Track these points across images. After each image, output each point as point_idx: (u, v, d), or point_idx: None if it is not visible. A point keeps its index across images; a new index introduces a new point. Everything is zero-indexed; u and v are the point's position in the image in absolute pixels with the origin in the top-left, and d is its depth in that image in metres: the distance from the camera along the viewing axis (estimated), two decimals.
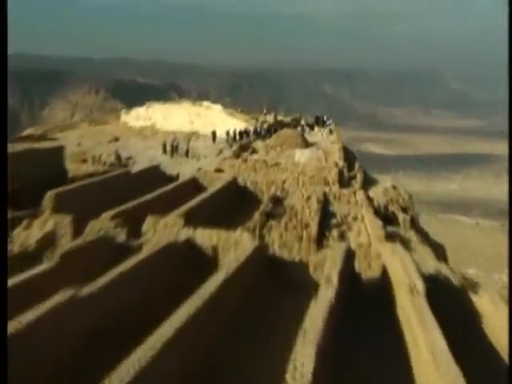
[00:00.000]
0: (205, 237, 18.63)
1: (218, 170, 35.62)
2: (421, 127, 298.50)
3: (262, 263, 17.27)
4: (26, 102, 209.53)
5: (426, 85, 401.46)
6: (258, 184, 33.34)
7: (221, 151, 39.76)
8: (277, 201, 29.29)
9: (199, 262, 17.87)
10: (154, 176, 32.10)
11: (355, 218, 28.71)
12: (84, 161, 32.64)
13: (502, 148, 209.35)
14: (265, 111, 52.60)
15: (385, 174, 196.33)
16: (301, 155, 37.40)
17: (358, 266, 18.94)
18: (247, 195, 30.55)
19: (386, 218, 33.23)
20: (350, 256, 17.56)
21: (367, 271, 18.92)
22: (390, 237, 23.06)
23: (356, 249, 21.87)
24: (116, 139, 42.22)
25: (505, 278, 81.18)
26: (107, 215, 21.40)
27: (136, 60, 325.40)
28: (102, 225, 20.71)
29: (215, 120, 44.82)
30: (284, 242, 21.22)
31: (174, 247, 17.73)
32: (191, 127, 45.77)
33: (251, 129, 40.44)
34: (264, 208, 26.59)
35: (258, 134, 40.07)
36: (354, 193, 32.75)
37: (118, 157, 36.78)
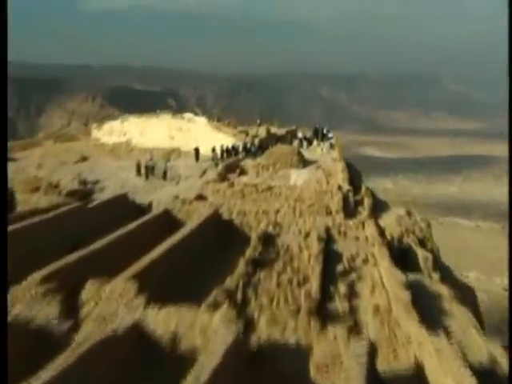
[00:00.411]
0: (159, 320, 13.06)
1: (200, 197, 29.84)
2: (420, 130, 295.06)
3: (241, 360, 11.71)
4: (23, 110, 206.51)
5: (425, 87, 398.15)
6: (246, 215, 27.60)
7: (205, 172, 34.05)
8: (268, 239, 23.54)
9: (149, 364, 12.39)
10: (119, 209, 26.39)
11: (366, 261, 22.95)
12: (37, 189, 26.90)
13: (501, 150, 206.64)
14: (258, 122, 47.02)
15: (384, 178, 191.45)
16: (297, 176, 31.70)
17: (380, 358, 13.22)
18: (232, 232, 24.85)
19: (402, 253, 27.59)
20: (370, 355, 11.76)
21: (393, 366, 13.23)
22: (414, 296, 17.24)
23: (371, 318, 16.22)
24: (84, 159, 36.35)
25: (506, 281, 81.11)
26: (35, 278, 16.02)
27: (134, 67, 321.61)
28: (27, 292, 15.41)
29: (199, 135, 38.89)
30: (274, 314, 15.52)
31: (113, 341, 12.17)
32: (171, 143, 39.81)
33: (240, 145, 34.72)
34: (251, 254, 20.83)
35: (247, 151, 34.31)
36: (363, 224, 27.01)
37: (83, 182, 31.07)
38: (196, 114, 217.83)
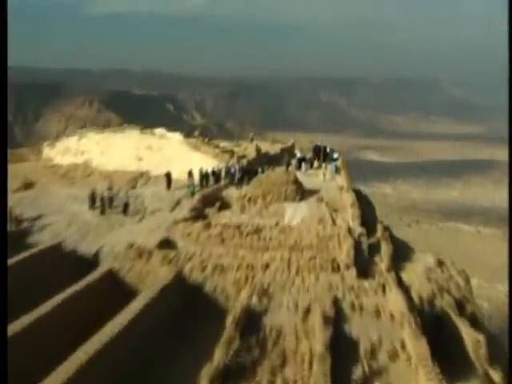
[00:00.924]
0: None
1: (165, 244, 22.41)
2: (420, 134, 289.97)
3: None
4: (20, 115, 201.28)
5: (425, 92, 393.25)
6: (223, 272, 20.20)
7: (178, 203, 26.62)
8: (251, 322, 16.12)
9: None
10: (49, 267, 19.04)
11: (394, 357, 15.56)
12: None
13: (502, 154, 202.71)
14: (251, 136, 39.69)
15: (384, 182, 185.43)
16: (294, 213, 24.26)
17: None
18: (200, 307, 17.49)
19: (435, 321, 20.24)
20: None
21: None
22: None
23: None
24: (27, 186, 28.68)
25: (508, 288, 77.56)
26: None
27: (133, 71, 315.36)
28: None
29: (172, 155, 31.14)
30: None
31: None
32: (139, 165, 31.89)
33: (223, 168, 27.32)
34: (221, 359, 13.38)
35: (231, 177, 26.80)
36: (383, 287, 19.59)
37: (15, 219, 23.62)
38: (194, 117, 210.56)
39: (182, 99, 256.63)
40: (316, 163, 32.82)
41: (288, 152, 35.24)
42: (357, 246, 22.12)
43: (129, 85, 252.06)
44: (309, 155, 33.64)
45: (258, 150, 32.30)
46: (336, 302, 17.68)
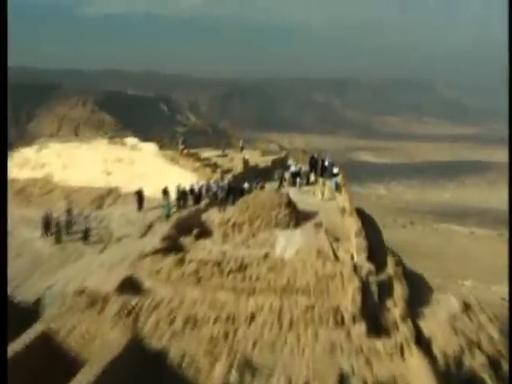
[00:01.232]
0: None
1: (127, 285, 17.89)
2: (414, 135, 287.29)
3: None
4: (13, 115, 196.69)
5: (418, 93, 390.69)
6: (196, 326, 15.76)
7: (149, 227, 22.06)
8: None
9: None
10: None
11: None
12: None
13: (495, 155, 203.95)
14: (241, 145, 34.99)
15: (378, 184, 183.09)
16: (287, 243, 19.77)
17: None
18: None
19: None
20: None
21: None
22: None
23: None
24: None
25: (503, 290, 73.66)
26: None
27: (127, 72, 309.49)
28: None
29: (146, 169, 26.71)
30: None
31: None
32: (107, 181, 27.39)
33: (203, 185, 22.63)
34: None
35: (213, 197, 22.22)
36: (401, 349, 15.16)
37: None
38: (188, 118, 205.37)
39: (176, 100, 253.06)
40: (312, 177, 28.21)
41: (281, 164, 30.60)
42: (364, 288, 17.66)
43: (123, 85, 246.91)
44: (304, 168, 29.01)
45: (245, 162, 27.66)
46: (342, 379, 13.15)
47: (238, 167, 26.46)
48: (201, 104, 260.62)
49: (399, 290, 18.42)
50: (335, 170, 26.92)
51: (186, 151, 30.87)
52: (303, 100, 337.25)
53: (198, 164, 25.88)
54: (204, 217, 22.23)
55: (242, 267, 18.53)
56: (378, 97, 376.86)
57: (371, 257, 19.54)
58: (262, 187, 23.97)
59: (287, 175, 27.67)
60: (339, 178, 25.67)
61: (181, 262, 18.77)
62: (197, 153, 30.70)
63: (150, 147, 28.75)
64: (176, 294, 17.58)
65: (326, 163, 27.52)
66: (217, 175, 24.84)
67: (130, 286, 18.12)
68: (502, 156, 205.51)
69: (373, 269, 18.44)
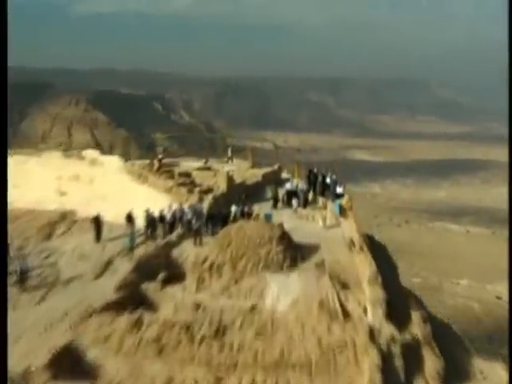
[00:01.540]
0: None
1: (62, 359, 12.93)
2: (408, 134, 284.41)
3: None
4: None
5: (413, 92, 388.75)
6: None
7: (108, 265, 17.01)
8: None
9: None
10: None
11: None
12: None
13: (489, 154, 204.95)
14: (229, 154, 29.72)
15: (373, 182, 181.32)
16: (279, 292, 14.85)
17: None
18: None
19: None
20: None
21: None
22: None
23: None
24: None
25: (498, 289, 75.37)
26: None
27: (120, 71, 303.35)
28: None
29: (108, 189, 21.35)
30: None
31: None
32: (61, 203, 21.95)
33: (176, 211, 17.60)
34: None
35: (188, 226, 17.08)
36: None
37: None
38: (182, 116, 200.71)
39: (170, 99, 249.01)
40: (311, 195, 23.08)
41: (273, 178, 25.44)
42: (385, 362, 12.72)
43: (114, 84, 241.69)
44: (301, 184, 23.86)
45: (229, 180, 22.50)
46: None
47: (222, 185, 21.38)
48: (194, 103, 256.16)
49: (431, 363, 13.48)
50: (339, 190, 21.81)
51: (163, 162, 25.66)
52: (298, 99, 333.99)
53: (171, 182, 20.74)
54: (175, 253, 17.13)
55: (220, 331, 13.53)
56: (373, 96, 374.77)
57: (390, 310, 14.59)
58: (250, 214, 18.81)
59: (281, 192, 22.54)
60: (344, 200, 20.56)
61: (138, 323, 13.79)
62: (174, 165, 25.53)
63: (114, 161, 23.56)
64: (130, 370, 12.71)
65: (328, 180, 22.39)
66: (194, 197, 19.69)
67: (67, 359, 13.13)
68: (495, 154, 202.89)
69: (396, 334, 13.46)
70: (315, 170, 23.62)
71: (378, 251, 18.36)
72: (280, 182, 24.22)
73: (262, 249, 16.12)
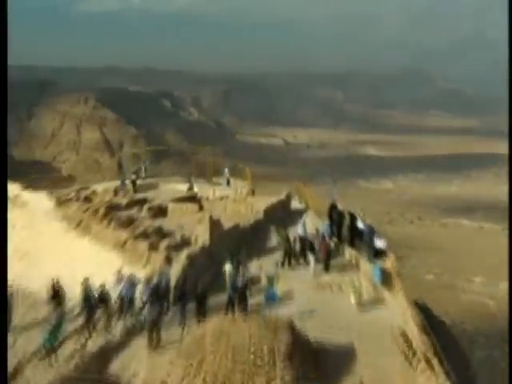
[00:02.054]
0: None
1: None
2: (418, 128, 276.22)
3: None
4: (13, 115, 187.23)
5: (420, 86, 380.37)
6: None
7: (14, 375, 10.05)
8: None
9: None
10: None
11: None
12: None
13: (497, 147, 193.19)
14: (226, 173, 22.31)
15: (384, 178, 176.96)
16: None
17: None
18: None
19: None
20: None
21: None
22: None
23: None
24: None
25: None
26: None
27: (125, 68, 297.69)
28: None
29: (31, 243, 14.13)
30: None
31: None
32: None
33: (122, 289, 10.72)
34: None
35: (142, 313, 10.34)
36: None
37: None
38: (191, 113, 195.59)
39: (178, 96, 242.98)
40: (333, 241, 15.27)
41: (281, 212, 17.67)
42: None
43: (121, 82, 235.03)
44: (321, 225, 15.99)
45: (213, 225, 14.80)
46: None
47: (203, 235, 13.83)
48: (203, 100, 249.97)
49: None
50: (379, 244, 14.08)
51: (137, 184, 18.06)
52: (304, 94, 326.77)
53: (124, 235, 13.26)
54: (114, 368, 9.57)
55: None
56: (379, 90, 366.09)
57: None
58: (242, 298, 11.16)
59: (292, 236, 14.84)
60: (389, 262, 12.84)
61: None
62: (150, 188, 18.00)
63: (41, 201, 16.07)
64: None
65: (360, 225, 14.65)
66: (159, 256, 12.17)
67: None
68: (508, 149, 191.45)
69: None
70: (340, 207, 15.82)
71: (452, 354, 10.71)
72: (289, 215, 16.57)
73: (258, 374, 8.48)
